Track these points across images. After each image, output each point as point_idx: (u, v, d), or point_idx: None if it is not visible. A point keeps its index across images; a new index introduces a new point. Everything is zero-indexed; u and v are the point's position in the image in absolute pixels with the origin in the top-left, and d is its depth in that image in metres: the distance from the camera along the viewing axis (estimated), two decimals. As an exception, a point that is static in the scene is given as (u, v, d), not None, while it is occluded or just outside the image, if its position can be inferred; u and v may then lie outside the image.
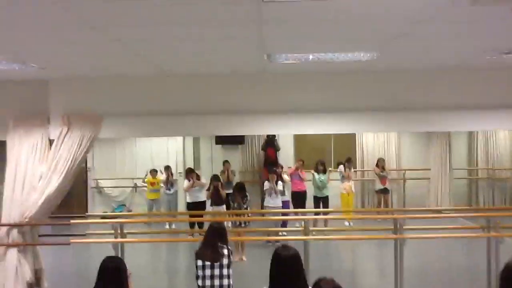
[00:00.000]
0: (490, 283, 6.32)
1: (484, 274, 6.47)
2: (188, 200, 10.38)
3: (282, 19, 3.62)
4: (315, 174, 10.56)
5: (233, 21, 3.65)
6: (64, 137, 6.16)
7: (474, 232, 7.57)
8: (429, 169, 12.63)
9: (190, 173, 10.34)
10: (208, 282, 4.33)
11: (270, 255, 3.23)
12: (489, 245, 6.46)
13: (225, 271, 4.37)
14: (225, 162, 11.41)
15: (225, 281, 4.35)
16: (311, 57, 5.13)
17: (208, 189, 9.84)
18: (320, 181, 10.46)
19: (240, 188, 8.81)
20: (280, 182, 9.67)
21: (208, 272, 4.35)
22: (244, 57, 5.18)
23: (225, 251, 4.45)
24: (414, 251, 7.03)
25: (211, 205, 9.80)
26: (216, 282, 4.33)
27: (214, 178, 9.93)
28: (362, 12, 3.48)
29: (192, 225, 9.83)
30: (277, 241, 7.96)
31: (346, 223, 10.38)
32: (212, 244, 4.44)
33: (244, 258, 8.39)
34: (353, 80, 6.22)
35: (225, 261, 4.39)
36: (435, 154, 12.54)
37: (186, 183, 10.31)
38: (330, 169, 11.27)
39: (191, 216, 9.94)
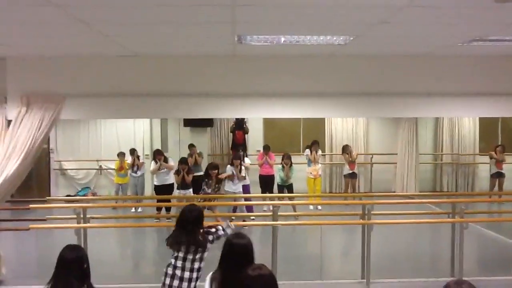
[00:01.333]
0: (453, 268, 6.45)
1: (448, 259, 6.60)
2: (156, 183, 10.18)
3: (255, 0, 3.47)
4: (280, 171, 10.46)
5: (204, 1, 3.48)
6: (23, 118, 5.86)
7: (439, 218, 7.72)
8: (396, 154, 12.81)
9: (157, 155, 10.13)
10: (178, 272, 4.12)
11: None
12: (453, 231, 6.58)
13: (196, 264, 4.14)
14: (191, 146, 11.24)
15: (194, 274, 4.16)
16: (282, 39, 5.00)
17: (177, 173, 9.66)
18: (283, 176, 10.39)
19: (214, 168, 8.70)
20: (242, 168, 9.61)
21: (179, 263, 4.14)
22: (214, 38, 5.00)
23: (199, 237, 4.18)
24: (381, 236, 7.10)
25: (178, 188, 9.65)
26: (186, 274, 4.12)
27: (181, 161, 9.75)
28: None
29: (159, 209, 9.65)
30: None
31: (311, 207, 10.42)
32: (187, 233, 4.13)
33: None
34: (324, 64, 6.14)
35: (198, 255, 4.14)
36: (402, 139, 12.71)
37: (153, 165, 10.09)
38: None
39: (158, 200, 9.76)
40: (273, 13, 3.95)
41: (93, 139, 12.86)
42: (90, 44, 5.18)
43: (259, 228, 8.42)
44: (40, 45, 5.29)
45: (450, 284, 2.38)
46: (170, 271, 4.16)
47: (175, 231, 4.24)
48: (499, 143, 12.39)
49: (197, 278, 4.18)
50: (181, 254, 4.14)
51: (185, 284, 4.11)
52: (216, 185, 8.67)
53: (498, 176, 11.61)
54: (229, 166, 9.68)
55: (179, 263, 4.14)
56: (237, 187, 9.47)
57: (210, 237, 4.27)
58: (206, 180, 9.24)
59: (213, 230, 4.35)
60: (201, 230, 4.23)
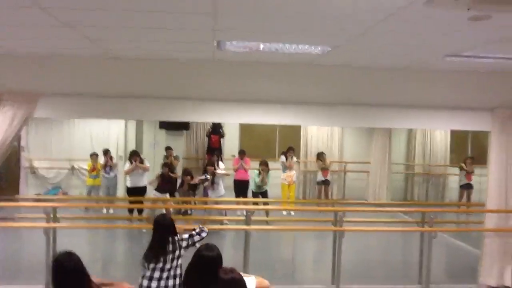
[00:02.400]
0: (421, 275, 6.58)
1: (417, 266, 6.74)
2: (128, 185, 9.99)
3: (235, 6, 3.51)
4: (256, 177, 10.48)
5: (184, 6, 3.50)
6: (-6, 115, 5.73)
7: (409, 226, 7.87)
8: (369, 163, 13.00)
9: (133, 155, 9.97)
10: (154, 284, 4.09)
11: (221, 242, 3.18)
12: (422, 239, 6.72)
13: (172, 272, 4.14)
14: (168, 149, 11.17)
15: (170, 282, 4.13)
16: (261, 46, 5.05)
17: (181, 185, 9.57)
18: (259, 183, 10.39)
19: (187, 174, 8.68)
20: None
21: (156, 274, 4.09)
22: (194, 43, 5.01)
23: (177, 245, 4.21)
24: (353, 243, 7.19)
25: (155, 189, 9.52)
26: (170, 283, 4.11)
27: (165, 165, 9.71)
28: (317, 8, 3.45)
29: (131, 211, 9.54)
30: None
31: (284, 213, 10.48)
32: (161, 242, 4.14)
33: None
34: (303, 73, 6.21)
35: (174, 262, 4.15)
36: (376, 148, 12.91)
37: (128, 165, 9.95)
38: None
39: (130, 202, 9.65)
40: (252, 21, 4.00)
41: (66, 139, 12.61)
42: (68, 44, 5.12)
43: (232, 232, 8.42)
44: (15, 43, 5.20)
45: None
46: (146, 283, 4.11)
47: (152, 245, 4.22)
48: (469, 155, 12.71)
49: (180, 285, 4.16)
50: (159, 265, 4.12)
51: None
52: (190, 191, 8.64)
53: (467, 187, 11.90)
54: (204, 174, 9.64)
55: (156, 274, 4.10)
56: (218, 192, 9.48)
57: (184, 243, 4.27)
58: (180, 186, 9.20)
59: (186, 236, 4.35)
60: (176, 237, 4.25)
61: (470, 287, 6.50)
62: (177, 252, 4.19)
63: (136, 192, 9.68)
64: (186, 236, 4.34)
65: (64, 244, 6.53)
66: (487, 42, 4.48)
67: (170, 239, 4.19)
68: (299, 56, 5.54)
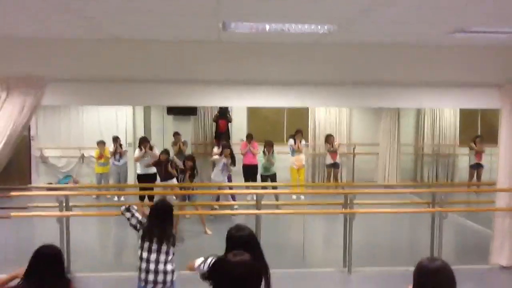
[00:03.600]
0: (432, 256, 6.56)
1: (427, 247, 6.73)
2: (139, 172, 10.04)
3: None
4: (261, 159, 10.44)
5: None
6: (3, 103, 5.75)
7: (420, 208, 7.84)
8: (378, 144, 12.94)
9: (143, 142, 9.96)
10: (152, 266, 4.13)
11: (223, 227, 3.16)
12: (433, 220, 6.70)
13: (169, 257, 4.19)
14: (176, 134, 11.18)
15: (169, 266, 4.17)
16: (267, 27, 4.99)
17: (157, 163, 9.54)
18: (267, 162, 10.34)
19: (189, 160, 8.65)
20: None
21: (153, 256, 4.14)
22: (198, 25, 4.97)
23: (171, 232, 4.26)
24: (363, 225, 7.19)
25: (161, 180, 9.55)
26: (161, 266, 4.14)
27: (164, 151, 9.61)
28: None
29: (142, 198, 9.59)
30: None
31: (294, 197, 10.49)
32: (158, 226, 4.18)
33: (209, 232, 8.20)
34: (309, 53, 6.14)
35: (170, 246, 4.19)
36: (384, 129, 12.85)
37: (137, 152, 9.97)
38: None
39: (141, 188, 9.70)
40: (257, 1, 3.94)
41: (75, 127, 12.66)
42: (73, 28, 5.10)
43: (242, 217, 8.45)
44: (21, 28, 5.19)
45: (423, 261, 2.45)
46: (144, 265, 4.16)
47: (148, 223, 4.27)
48: (478, 134, 12.60)
49: (172, 271, 4.20)
50: (153, 247, 4.15)
51: (161, 276, 4.13)
52: (190, 177, 8.61)
53: (477, 167, 11.82)
54: (217, 156, 9.55)
55: (152, 256, 4.14)
56: (224, 178, 9.47)
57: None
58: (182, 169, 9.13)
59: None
60: (171, 226, 4.29)
61: (482, 268, 6.49)
62: (165, 240, 4.19)
63: (146, 178, 9.72)
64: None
65: (76, 231, 6.61)
66: (496, 17, 4.39)
67: (165, 222, 4.20)
68: (305, 36, 5.47)
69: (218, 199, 9.27)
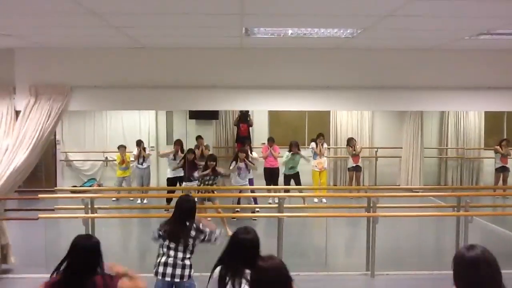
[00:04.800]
0: (458, 261, 6.46)
1: (452, 252, 6.62)
2: (169, 176, 10.27)
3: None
4: (287, 153, 10.47)
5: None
6: (32, 109, 5.92)
7: (444, 211, 7.73)
8: (401, 148, 12.80)
9: (176, 145, 10.32)
10: (171, 260, 4.22)
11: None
12: (458, 224, 6.60)
13: (188, 254, 4.27)
14: (199, 138, 11.27)
15: (187, 262, 4.26)
16: (290, 32, 5.02)
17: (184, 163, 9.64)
18: (292, 160, 10.34)
19: (212, 160, 8.71)
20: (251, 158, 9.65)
21: (172, 252, 4.23)
22: (222, 31, 5.03)
23: (193, 232, 4.30)
24: (386, 229, 7.13)
25: (184, 181, 9.65)
26: (179, 261, 4.23)
27: (189, 151, 9.71)
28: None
29: (169, 200, 9.68)
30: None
31: (315, 200, 10.45)
32: (180, 222, 4.27)
33: (230, 233, 8.22)
34: (330, 57, 6.16)
35: (190, 246, 4.26)
36: (407, 133, 12.70)
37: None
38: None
39: (168, 191, 9.85)
40: (280, 6, 3.97)
41: (99, 131, 12.90)
42: (99, 35, 5.21)
43: (265, 220, 8.47)
44: (49, 36, 5.33)
45: (462, 250, 2.27)
46: (163, 259, 4.25)
47: (170, 222, 4.34)
48: (504, 137, 12.35)
49: (190, 266, 4.28)
50: (172, 244, 4.25)
51: (179, 270, 4.21)
52: (211, 177, 8.66)
53: (502, 170, 11.58)
54: (233, 162, 9.62)
55: (171, 252, 4.23)
56: (245, 181, 9.50)
57: (202, 236, 4.34)
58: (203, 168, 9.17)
59: (208, 230, 4.38)
60: (194, 224, 4.32)
61: (509, 273, 6.35)
62: (191, 239, 4.26)
63: (175, 181, 9.94)
64: (207, 230, 4.38)
65: (101, 233, 6.72)
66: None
67: (188, 224, 4.27)
68: (328, 41, 5.48)
69: (239, 201, 9.30)
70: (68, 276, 2.90)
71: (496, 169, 11.72)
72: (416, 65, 6.23)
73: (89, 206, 6.27)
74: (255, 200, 9.43)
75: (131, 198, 10.88)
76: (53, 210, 6.75)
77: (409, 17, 4.31)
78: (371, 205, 6.43)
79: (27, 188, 9.63)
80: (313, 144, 11.18)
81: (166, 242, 4.27)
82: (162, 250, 4.29)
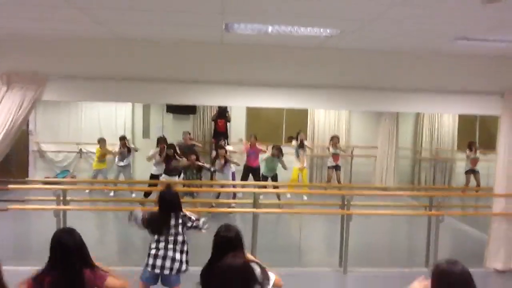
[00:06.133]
0: (428, 259, 6.61)
1: (423, 250, 6.76)
2: (153, 172, 10.01)
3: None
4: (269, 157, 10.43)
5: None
6: (3, 98, 5.76)
7: (417, 210, 7.88)
8: (376, 147, 12.97)
9: (161, 143, 10.01)
10: (161, 252, 4.24)
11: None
12: (430, 223, 6.73)
13: (178, 246, 4.27)
14: (186, 133, 11.15)
15: (177, 255, 4.26)
16: (270, 29, 5.01)
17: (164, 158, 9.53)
18: (271, 162, 10.31)
19: (192, 153, 8.70)
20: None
21: (162, 244, 4.25)
22: (202, 26, 4.98)
23: (179, 221, 4.33)
24: (360, 226, 7.22)
25: (165, 173, 9.53)
26: (169, 253, 4.24)
27: (169, 146, 9.57)
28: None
29: (147, 195, 9.55)
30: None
31: (288, 195, 10.50)
32: (165, 215, 4.30)
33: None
34: (310, 56, 6.18)
35: (179, 237, 4.28)
36: (383, 133, 12.87)
37: (153, 151, 9.96)
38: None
39: (148, 186, 9.75)
40: (261, 3, 3.95)
41: (74, 122, 12.67)
42: (76, 26, 5.10)
43: (240, 215, 8.48)
44: (24, 25, 5.19)
45: (441, 264, 2.49)
46: (153, 252, 4.27)
47: (154, 214, 4.38)
48: (475, 141, 12.60)
49: (180, 260, 4.28)
50: (162, 237, 4.27)
51: (168, 262, 4.24)
52: (196, 172, 8.65)
53: (472, 172, 11.81)
54: (217, 161, 9.63)
55: (161, 245, 4.26)
56: (226, 175, 9.52)
57: (189, 223, 4.34)
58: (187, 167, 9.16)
59: (194, 218, 4.42)
60: (180, 212, 4.35)
61: (477, 271, 6.50)
62: (179, 228, 4.28)
63: (159, 178, 9.76)
64: (193, 217, 4.39)
65: (73, 225, 6.60)
66: (499, 26, 4.42)
67: (174, 214, 4.29)
68: (308, 39, 5.49)
69: (218, 196, 9.30)
70: (54, 271, 2.85)
71: (466, 172, 11.95)
72: (394, 67, 6.31)
73: (61, 198, 6.15)
74: (234, 195, 9.43)
75: (105, 191, 10.71)
76: (23, 201, 6.61)
77: (388, 22, 4.35)
78: (345, 202, 6.50)
79: (-3, 178, 9.40)
80: (294, 142, 11.23)
81: (155, 236, 4.30)
82: (152, 243, 4.33)
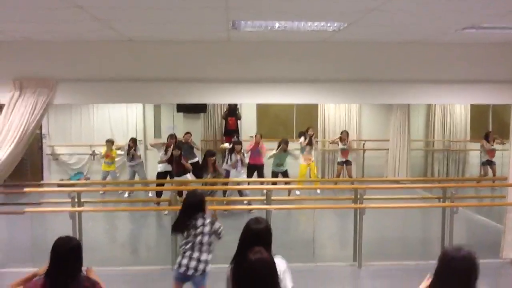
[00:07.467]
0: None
1: (438, 242, 6.72)
2: (159, 170, 10.16)
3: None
4: (275, 151, 10.42)
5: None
6: (16, 102, 5.84)
7: (430, 203, 7.82)
8: (388, 140, 12.90)
9: (170, 138, 10.15)
10: (188, 253, 4.35)
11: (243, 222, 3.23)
12: (444, 215, 6.69)
13: (204, 247, 4.35)
14: (186, 133, 11.19)
15: (203, 256, 4.35)
16: (276, 25, 5.01)
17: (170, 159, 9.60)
18: (278, 157, 10.32)
19: (211, 155, 8.78)
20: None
21: (189, 245, 4.36)
22: (208, 24, 5.00)
23: (206, 222, 4.39)
24: (373, 220, 7.20)
25: (175, 175, 9.58)
26: (195, 254, 4.34)
27: (176, 147, 9.66)
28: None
29: (159, 194, 9.66)
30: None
31: (297, 192, 10.48)
32: (184, 217, 4.41)
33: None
34: (318, 51, 6.16)
35: (205, 238, 4.35)
36: (394, 126, 12.79)
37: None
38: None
39: (158, 185, 9.83)
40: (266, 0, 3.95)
41: (86, 124, 12.78)
42: (84, 29, 5.15)
43: (256, 212, 8.49)
44: (33, 29, 5.25)
45: (448, 250, 2.51)
46: (182, 251, 4.42)
47: (179, 217, 4.49)
48: (489, 131, 12.44)
49: (205, 261, 4.37)
50: (189, 238, 4.38)
51: (193, 263, 4.32)
52: (214, 172, 8.71)
53: (488, 163, 11.65)
54: (231, 156, 9.64)
55: (188, 246, 4.36)
56: (240, 174, 9.54)
57: (209, 226, 4.43)
58: (204, 167, 9.20)
59: (218, 225, 4.51)
60: (204, 215, 4.44)
61: (493, 262, 6.46)
62: (199, 229, 4.34)
63: (164, 176, 9.93)
64: (217, 225, 4.47)
65: (87, 227, 6.69)
66: (508, 12, 4.37)
67: (196, 215, 4.37)
68: (315, 34, 5.48)
69: (225, 194, 9.35)
70: (51, 278, 2.91)
71: (482, 163, 11.78)
72: (403, 58, 6.26)
73: (76, 200, 6.23)
74: (240, 192, 9.44)
75: (120, 192, 10.81)
76: (39, 204, 6.70)
77: (395, 12, 4.32)
78: (358, 197, 6.48)
79: (12, 182, 9.53)
80: (301, 139, 11.19)
81: (184, 235, 4.43)
82: (182, 243, 4.47)
